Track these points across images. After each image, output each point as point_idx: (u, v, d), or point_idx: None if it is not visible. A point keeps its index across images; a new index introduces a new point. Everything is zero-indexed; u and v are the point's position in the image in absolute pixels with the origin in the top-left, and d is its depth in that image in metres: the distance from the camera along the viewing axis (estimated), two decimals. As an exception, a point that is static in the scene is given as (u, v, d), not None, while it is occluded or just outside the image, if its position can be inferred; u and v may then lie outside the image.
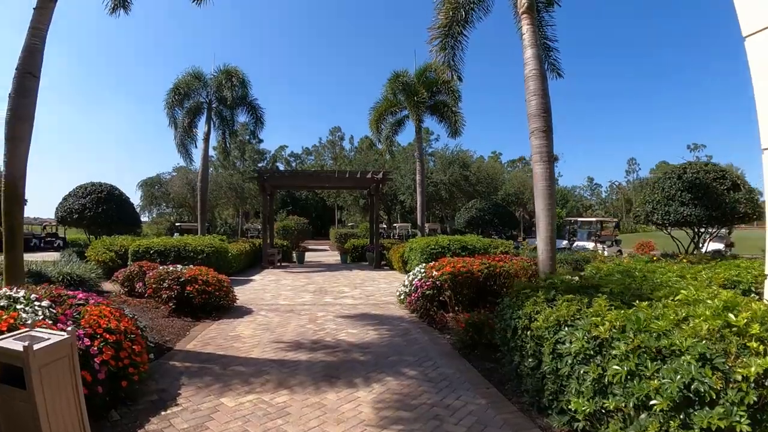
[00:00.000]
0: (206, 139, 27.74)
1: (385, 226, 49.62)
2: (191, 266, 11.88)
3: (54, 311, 5.81)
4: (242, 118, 30.81)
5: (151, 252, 17.07)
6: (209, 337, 8.83)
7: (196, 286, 10.57)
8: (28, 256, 23.57)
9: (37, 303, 5.75)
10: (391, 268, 22.69)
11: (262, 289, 15.42)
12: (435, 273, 10.79)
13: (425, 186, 29.86)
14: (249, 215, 61.89)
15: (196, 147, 28.88)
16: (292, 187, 48.01)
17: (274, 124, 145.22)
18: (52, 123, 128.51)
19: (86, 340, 5.44)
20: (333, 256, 32.44)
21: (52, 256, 23.65)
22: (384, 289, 15.38)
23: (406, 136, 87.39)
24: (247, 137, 58.66)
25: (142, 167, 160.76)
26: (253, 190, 50.20)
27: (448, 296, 10.54)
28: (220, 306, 11.08)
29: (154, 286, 11.06)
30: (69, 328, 4.13)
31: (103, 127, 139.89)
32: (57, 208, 26.59)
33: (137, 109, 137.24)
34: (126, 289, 13.14)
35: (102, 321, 5.86)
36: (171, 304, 10.63)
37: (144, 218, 56.70)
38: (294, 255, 28.16)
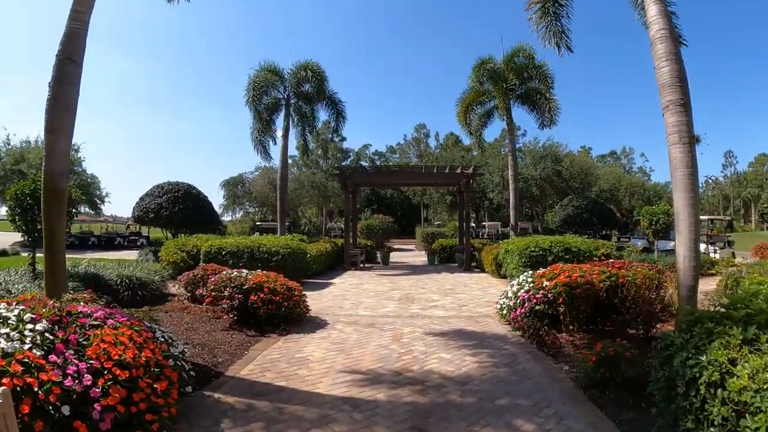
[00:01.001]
0: (285, 136, 26.88)
1: (474, 225, 47.57)
2: (259, 272, 10.35)
3: (51, 337, 4.37)
4: (323, 115, 29.82)
5: (223, 253, 15.95)
6: (270, 359, 7.27)
7: (261, 296, 9.09)
8: (108, 255, 23.49)
9: (29, 326, 4.31)
10: (483, 271, 20.75)
11: (341, 296, 13.91)
12: (546, 283, 8.79)
13: (518, 181, 27.84)
14: (333, 214, 61.22)
15: (275, 143, 27.99)
16: (376, 185, 46.25)
17: (357, 124, 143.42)
18: (149, 125, 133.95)
19: (87, 377, 4.04)
20: (419, 257, 30.68)
21: (133, 254, 23.38)
22: (478, 298, 13.45)
23: (491, 132, 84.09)
24: (330, 135, 57.87)
25: (228, 167, 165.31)
26: (336, 189, 49.22)
27: (563, 313, 8.59)
28: (289, 317, 9.52)
29: (213, 294, 9.74)
30: (2, 389, 2.56)
31: (193, 127, 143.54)
32: (134, 208, 26.57)
33: (222, 109, 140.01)
34: (189, 294, 12.00)
35: (115, 350, 4.42)
36: (232, 315, 9.23)
37: (227, 218, 57.20)
38: (378, 255, 26.64)
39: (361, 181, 27.79)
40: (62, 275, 7.59)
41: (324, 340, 8.40)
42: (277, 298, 9.20)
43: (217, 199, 54.03)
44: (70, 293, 8.40)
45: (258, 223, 45.12)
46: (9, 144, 43.96)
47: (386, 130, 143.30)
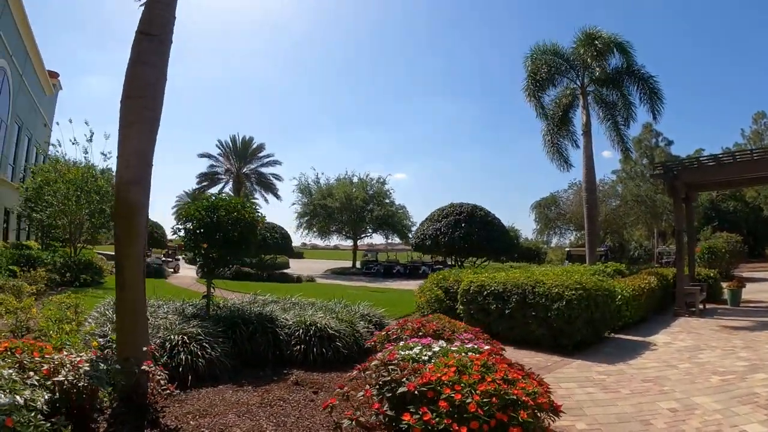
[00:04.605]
0: (586, 133, 21.67)
1: None
2: (460, 351, 5.23)
3: None
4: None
5: (485, 294, 11.46)
6: None
7: (426, 417, 4.02)
8: (407, 283, 21.59)
9: None
10: None
11: (656, 380, 7.93)
12: None
13: None
14: (666, 235, 52.04)
15: (578, 147, 22.52)
16: (720, 185, 33.51)
17: (682, 126, 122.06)
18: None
19: None
20: None
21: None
22: None
23: None
24: (653, 140, 50.08)
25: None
26: (668, 203, 40.29)
27: None
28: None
29: (349, 391, 5.17)
30: None
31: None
32: (412, 236, 24.06)
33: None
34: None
35: None
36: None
37: (553, 243, 52.87)
38: (725, 292, 18.81)
39: (696, 181, 19.56)
40: (137, 321, 5.89)
41: None
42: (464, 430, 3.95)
43: (527, 223, 50.17)
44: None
45: (568, 249, 39.88)
46: (318, 182, 49.80)
47: (714, 129, 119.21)
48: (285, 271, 36.01)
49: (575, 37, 22.29)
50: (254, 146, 65.37)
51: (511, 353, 10.04)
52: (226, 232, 8.83)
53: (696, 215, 52.62)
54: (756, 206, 52.89)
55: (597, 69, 21.30)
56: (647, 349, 10.61)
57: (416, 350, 5.41)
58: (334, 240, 53.74)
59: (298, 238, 53.57)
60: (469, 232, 23.08)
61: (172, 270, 34.02)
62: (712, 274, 20.07)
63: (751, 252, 45.23)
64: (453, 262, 30.27)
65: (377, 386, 4.78)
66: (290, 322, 8.72)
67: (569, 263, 30.08)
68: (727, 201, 57.22)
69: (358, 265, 46.57)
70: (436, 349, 5.47)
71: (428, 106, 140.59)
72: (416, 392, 4.38)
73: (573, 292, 10.39)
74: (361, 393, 4.79)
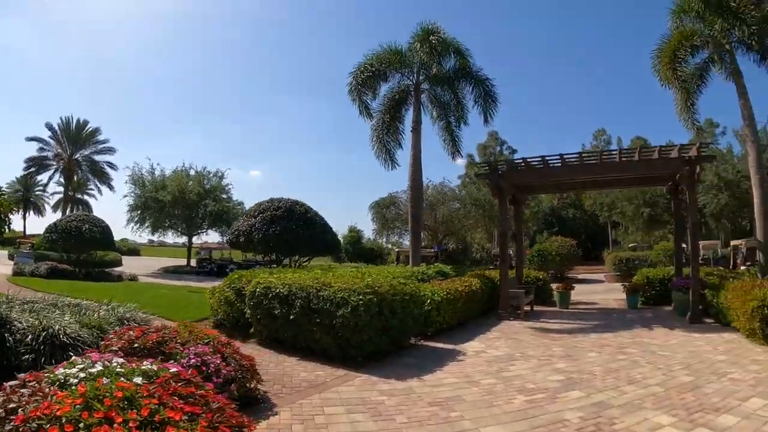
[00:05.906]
0: (415, 130, 21.16)
1: (685, 246, 36.79)
2: (113, 368, 3.81)
3: None
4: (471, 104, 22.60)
5: (270, 296, 9.94)
6: None
7: None
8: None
9: None
10: (722, 324, 12.11)
11: (444, 404, 6.40)
12: None
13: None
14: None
15: (402, 148, 22.13)
16: (546, 188, 31.01)
17: (531, 135, 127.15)
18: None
19: None
20: (612, 293, 21.38)
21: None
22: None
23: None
24: (498, 148, 51.03)
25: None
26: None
27: None
28: None
29: None
30: None
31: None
32: (229, 231, 22.10)
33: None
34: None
35: None
36: None
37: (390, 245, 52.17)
38: (554, 294, 18.17)
39: (522, 182, 18.23)
40: None
41: None
42: None
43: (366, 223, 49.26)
44: None
45: (397, 250, 39.78)
46: (153, 173, 45.22)
47: (560, 141, 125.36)
48: (110, 269, 32.91)
49: (413, 32, 21.59)
50: (89, 130, 60.97)
51: (292, 366, 8.51)
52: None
53: (536, 221, 55.42)
54: (593, 213, 55.85)
55: (433, 66, 20.79)
56: (454, 359, 9.27)
57: (76, 369, 4.36)
58: (170, 236, 50.04)
59: (130, 233, 49.67)
60: (286, 228, 21.35)
61: None
62: (541, 276, 19.47)
63: (588, 255, 47.21)
64: (289, 262, 28.72)
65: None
66: (26, 325, 7.33)
67: (396, 263, 29.61)
68: (567, 208, 61.32)
69: (193, 263, 43.80)
70: (98, 368, 4.32)
71: (285, 104, 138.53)
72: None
73: (361, 297, 8.91)
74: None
